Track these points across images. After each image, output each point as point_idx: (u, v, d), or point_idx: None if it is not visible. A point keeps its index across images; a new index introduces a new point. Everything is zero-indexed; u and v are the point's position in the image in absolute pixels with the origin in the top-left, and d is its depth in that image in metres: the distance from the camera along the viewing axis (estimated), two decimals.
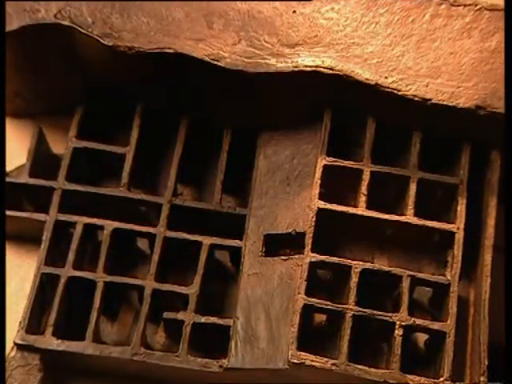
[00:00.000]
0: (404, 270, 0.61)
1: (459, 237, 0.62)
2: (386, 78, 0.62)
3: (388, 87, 0.62)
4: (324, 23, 0.63)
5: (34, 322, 0.62)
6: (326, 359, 0.58)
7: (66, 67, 0.67)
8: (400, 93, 0.62)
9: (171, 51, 0.63)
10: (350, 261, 0.61)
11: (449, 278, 0.62)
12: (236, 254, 0.65)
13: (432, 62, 0.63)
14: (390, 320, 0.60)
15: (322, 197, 0.63)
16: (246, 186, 0.68)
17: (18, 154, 0.67)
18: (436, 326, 0.60)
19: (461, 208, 0.63)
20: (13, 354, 0.60)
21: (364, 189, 0.63)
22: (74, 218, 0.65)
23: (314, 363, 0.58)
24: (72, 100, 0.67)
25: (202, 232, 0.65)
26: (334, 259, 0.61)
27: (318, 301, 0.60)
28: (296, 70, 0.62)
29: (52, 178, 0.66)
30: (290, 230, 0.63)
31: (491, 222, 0.62)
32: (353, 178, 0.64)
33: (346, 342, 0.59)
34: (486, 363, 0.58)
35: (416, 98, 0.62)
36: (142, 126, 0.67)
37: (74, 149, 0.66)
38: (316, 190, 0.63)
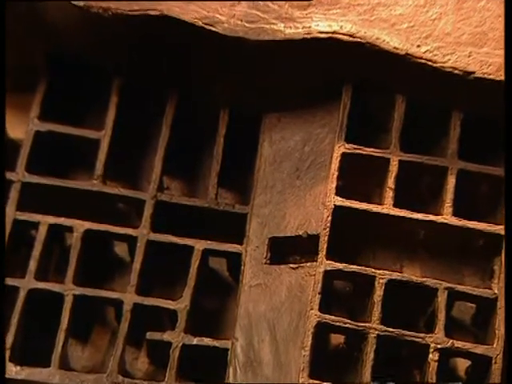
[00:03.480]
0: (440, 281, 0.61)
1: None
2: (418, 46, 0.62)
3: (421, 58, 0.62)
4: None
5: None
6: None
7: (27, 33, 0.65)
8: (436, 64, 0.62)
9: (156, 13, 0.62)
10: (373, 270, 0.61)
11: (495, 291, 0.61)
12: (235, 262, 0.64)
13: (476, 27, 0.62)
14: (423, 342, 0.60)
15: (339, 192, 0.62)
16: (247, 179, 0.67)
17: None
18: (479, 349, 0.59)
19: None
20: None
21: (391, 182, 0.62)
22: (37, 218, 0.64)
23: None
24: (34, 74, 0.66)
25: (194, 234, 0.64)
26: (354, 268, 0.61)
27: (335, 318, 0.60)
28: (308, 37, 0.62)
29: (9, 169, 0.65)
30: (300, 232, 0.63)
31: None
32: (377, 168, 0.63)
33: (368, 368, 0.58)
34: None
35: (456, 71, 0.62)
36: (120, 105, 0.66)
37: (37, 132, 0.66)
38: (332, 184, 0.62)
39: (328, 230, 0.61)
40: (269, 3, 0.62)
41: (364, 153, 0.63)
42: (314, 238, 0.62)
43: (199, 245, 0.63)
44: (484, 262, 0.63)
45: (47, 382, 0.60)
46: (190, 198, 0.66)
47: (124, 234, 0.64)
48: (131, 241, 0.64)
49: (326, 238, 0.61)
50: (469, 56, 0.62)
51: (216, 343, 0.61)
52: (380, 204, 0.62)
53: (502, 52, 0.62)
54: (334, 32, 0.62)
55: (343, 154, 0.63)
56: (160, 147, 0.66)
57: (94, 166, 0.65)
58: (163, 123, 0.66)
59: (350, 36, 0.62)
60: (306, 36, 0.62)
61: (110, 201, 0.65)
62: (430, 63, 0.62)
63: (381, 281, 0.60)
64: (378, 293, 0.60)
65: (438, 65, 0.62)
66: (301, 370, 0.58)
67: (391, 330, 0.59)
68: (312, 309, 0.59)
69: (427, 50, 0.62)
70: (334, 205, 0.62)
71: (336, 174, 0.62)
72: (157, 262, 0.65)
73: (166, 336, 0.61)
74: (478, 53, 0.62)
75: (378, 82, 0.64)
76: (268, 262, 0.63)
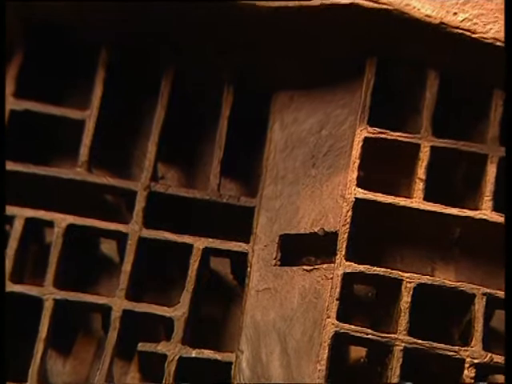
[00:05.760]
0: (478, 286, 0.60)
1: None
2: (455, 14, 0.61)
3: (458, 27, 0.61)
4: None
5: None
6: None
7: None
8: (475, 35, 0.61)
9: None
10: (400, 272, 0.60)
11: None
12: (240, 263, 0.63)
13: None
14: (457, 356, 0.58)
15: (361, 183, 0.61)
16: (254, 168, 0.67)
17: None
18: None
19: None
20: None
21: (421, 172, 0.61)
22: (12, 211, 0.63)
23: None
24: (8, 44, 0.65)
25: (193, 231, 0.63)
26: (378, 270, 0.60)
27: (355, 328, 0.59)
28: (327, 3, 0.61)
29: None
30: (315, 229, 0.62)
31: None
32: (405, 156, 0.62)
33: None
34: None
35: (498, 43, 0.60)
36: (108, 82, 0.65)
37: (11, 112, 0.65)
38: (353, 174, 0.61)
39: (348, 226, 0.61)
40: None
41: (390, 137, 0.63)
42: (332, 236, 0.61)
43: (199, 243, 0.62)
44: None
45: None
46: (189, 189, 0.65)
47: (112, 230, 0.64)
48: (121, 238, 0.64)
49: (346, 236, 0.61)
50: None
51: (218, 356, 0.60)
52: (408, 197, 0.62)
53: None
54: None
55: (366, 139, 0.62)
56: (154, 130, 0.65)
57: (78, 152, 0.64)
58: (158, 103, 0.66)
59: (375, 2, 0.61)
60: (324, 2, 0.61)
61: (96, 192, 0.65)
62: (468, 33, 0.61)
63: (408, 285, 0.59)
64: (406, 299, 0.59)
65: (477, 35, 0.61)
66: None
67: (420, 342, 0.59)
68: (329, 317, 0.59)
69: (465, 19, 0.61)
70: (355, 197, 0.61)
71: (357, 162, 0.62)
72: (150, 262, 0.64)
73: (161, 347, 0.61)
74: None
75: (406, 55, 0.63)
76: (278, 263, 0.62)
